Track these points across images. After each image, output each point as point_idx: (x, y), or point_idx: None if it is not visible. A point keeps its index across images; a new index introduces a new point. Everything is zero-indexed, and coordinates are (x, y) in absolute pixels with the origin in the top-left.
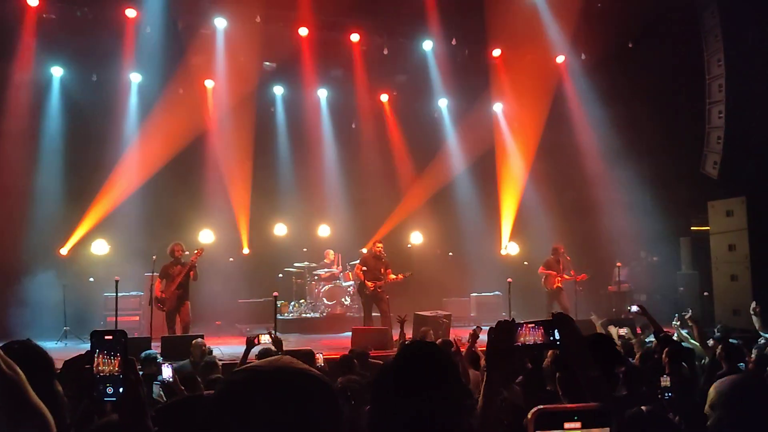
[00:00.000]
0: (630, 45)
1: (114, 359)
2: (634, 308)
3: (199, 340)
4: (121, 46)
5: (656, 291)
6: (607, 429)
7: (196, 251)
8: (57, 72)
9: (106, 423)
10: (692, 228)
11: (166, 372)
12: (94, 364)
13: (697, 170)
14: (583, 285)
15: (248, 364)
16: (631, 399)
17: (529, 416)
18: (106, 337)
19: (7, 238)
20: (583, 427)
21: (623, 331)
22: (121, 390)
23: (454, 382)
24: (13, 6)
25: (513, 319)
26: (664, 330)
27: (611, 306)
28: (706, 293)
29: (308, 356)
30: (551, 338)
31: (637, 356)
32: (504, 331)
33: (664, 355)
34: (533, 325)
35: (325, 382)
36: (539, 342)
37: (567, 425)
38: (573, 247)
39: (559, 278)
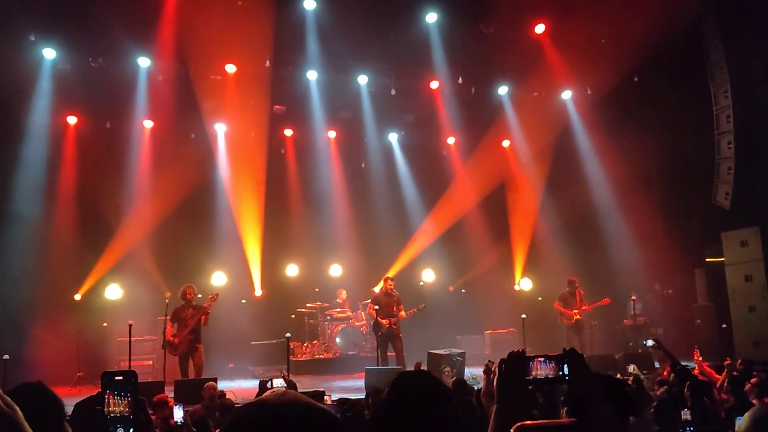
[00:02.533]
0: (635, 78)
1: (124, 400)
2: (650, 342)
3: (211, 383)
4: (133, 94)
5: (672, 324)
6: None
7: (210, 297)
8: (72, 120)
9: None
10: (707, 259)
11: (178, 414)
12: (105, 405)
13: (708, 201)
14: (598, 319)
15: (257, 399)
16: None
17: (511, 430)
18: (117, 378)
19: (23, 284)
20: None
21: (631, 367)
22: (131, 430)
23: (445, 403)
24: (30, 58)
25: (524, 350)
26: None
27: (627, 340)
28: (724, 325)
29: (318, 397)
30: (561, 372)
31: (659, 391)
32: (515, 364)
33: (685, 390)
34: (544, 358)
35: (329, 416)
36: (550, 376)
37: None
38: (586, 280)
39: (577, 312)
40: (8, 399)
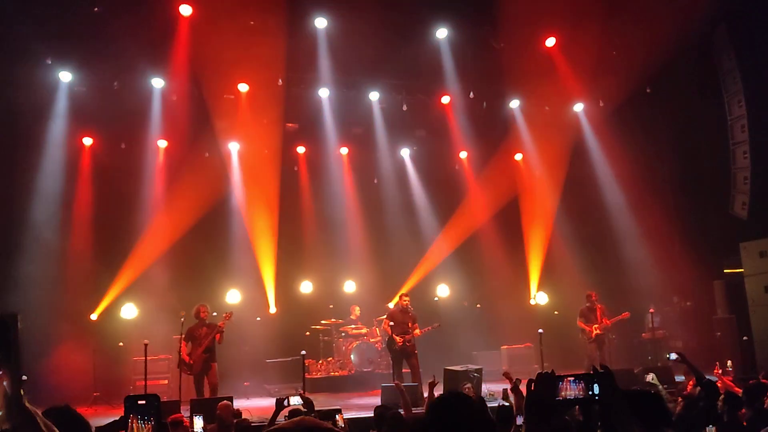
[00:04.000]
0: (648, 90)
1: (148, 424)
2: (674, 356)
3: (226, 402)
4: (148, 115)
5: (692, 337)
6: None
7: (224, 315)
8: (87, 141)
9: None
10: (725, 270)
11: (198, 423)
12: (128, 429)
13: (725, 212)
14: (616, 333)
15: (275, 426)
16: None
17: None
18: (140, 402)
19: (41, 305)
20: None
21: (650, 377)
22: None
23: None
24: (47, 81)
25: (553, 371)
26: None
27: (647, 354)
28: (745, 338)
29: (332, 415)
30: (591, 393)
31: (680, 405)
32: (546, 385)
33: (720, 403)
34: (573, 378)
35: None
36: (580, 396)
37: None
38: (602, 293)
39: (597, 327)
40: (50, 423)
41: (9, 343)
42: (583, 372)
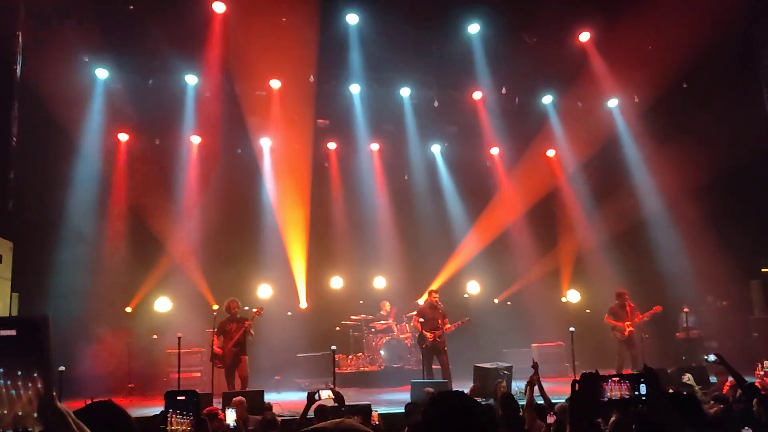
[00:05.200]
0: (684, 85)
1: (187, 419)
2: (712, 357)
3: (240, 398)
4: (182, 111)
5: (728, 337)
6: None
7: (255, 310)
8: (123, 138)
9: None
10: (763, 270)
11: (231, 416)
12: (168, 424)
13: (764, 209)
14: (650, 332)
15: (314, 427)
16: None
17: None
18: (179, 398)
19: (77, 297)
20: None
21: (686, 377)
22: None
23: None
24: (84, 78)
25: (597, 371)
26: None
27: (680, 354)
28: None
29: (366, 412)
30: (637, 392)
31: (716, 407)
32: (590, 385)
33: (754, 405)
34: (618, 378)
35: None
36: (626, 396)
37: None
38: (635, 292)
39: (629, 324)
40: (81, 424)
41: (41, 345)
42: (615, 371)
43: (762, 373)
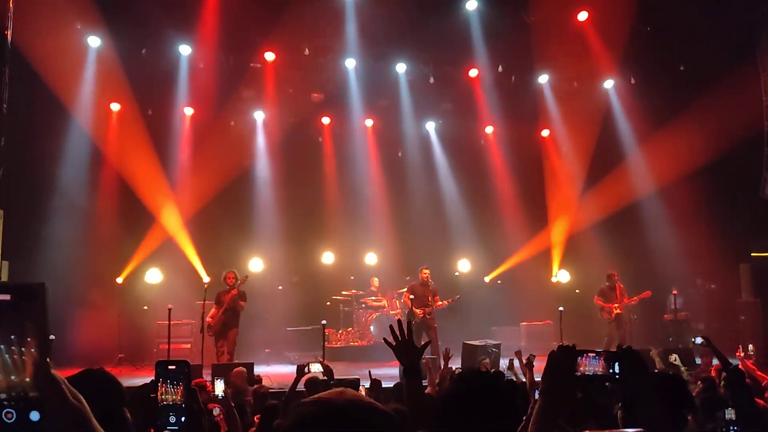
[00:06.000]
0: (681, 67)
1: (177, 389)
2: (699, 339)
3: (240, 368)
4: (175, 82)
5: (715, 319)
6: None
7: (240, 279)
8: (115, 107)
9: None
10: (752, 254)
11: (219, 387)
12: (158, 393)
13: (756, 195)
14: (638, 313)
15: (316, 396)
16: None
17: None
18: (170, 368)
19: (69, 268)
20: None
21: (673, 358)
22: (183, 419)
23: (513, 415)
24: (76, 46)
25: (574, 345)
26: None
27: (668, 335)
28: None
29: (354, 386)
30: (611, 371)
31: (698, 388)
32: (566, 358)
33: (721, 386)
34: (594, 355)
35: (395, 419)
36: (599, 373)
37: None
38: (625, 273)
39: (617, 305)
40: (76, 392)
41: (37, 312)
42: (602, 350)
43: (742, 355)
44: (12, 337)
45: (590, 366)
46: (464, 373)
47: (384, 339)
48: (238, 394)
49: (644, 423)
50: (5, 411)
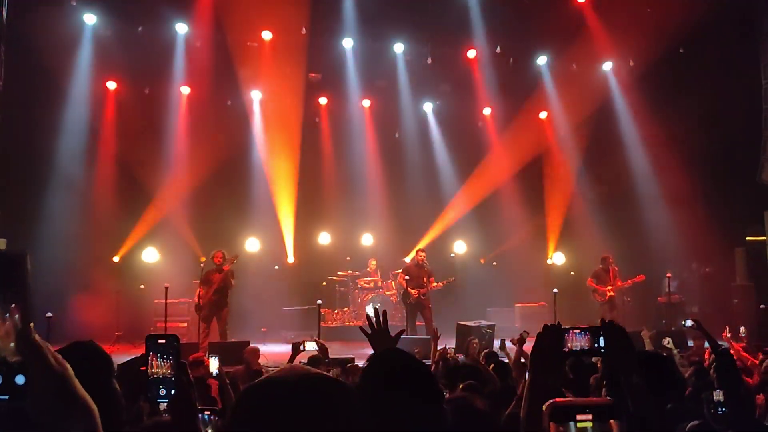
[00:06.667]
0: (681, 50)
1: (167, 362)
2: (689, 323)
3: (254, 346)
4: (171, 60)
5: (709, 303)
6: (616, 422)
7: (229, 258)
8: (111, 86)
9: (155, 423)
10: (747, 238)
11: (214, 364)
12: (148, 366)
13: (753, 179)
14: (632, 296)
15: (265, 377)
16: (680, 412)
17: (543, 408)
18: (160, 341)
19: (66, 246)
20: (594, 419)
21: (666, 341)
22: (173, 391)
23: (426, 385)
24: (72, 23)
25: (559, 323)
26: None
27: (661, 318)
28: (763, 306)
29: (345, 364)
30: (596, 345)
31: (689, 371)
32: (551, 336)
33: (711, 370)
34: (579, 330)
35: (342, 384)
36: (585, 348)
37: (579, 417)
38: (621, 256)
39: (611, 288)
40: (59, 356)
41: (20, 280)
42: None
43: (729, 336)
44: None
45: (576, 341)
46: (379, 354)
47: (360, 327)
48: (250, 372)
49: (627, 397)
50: None
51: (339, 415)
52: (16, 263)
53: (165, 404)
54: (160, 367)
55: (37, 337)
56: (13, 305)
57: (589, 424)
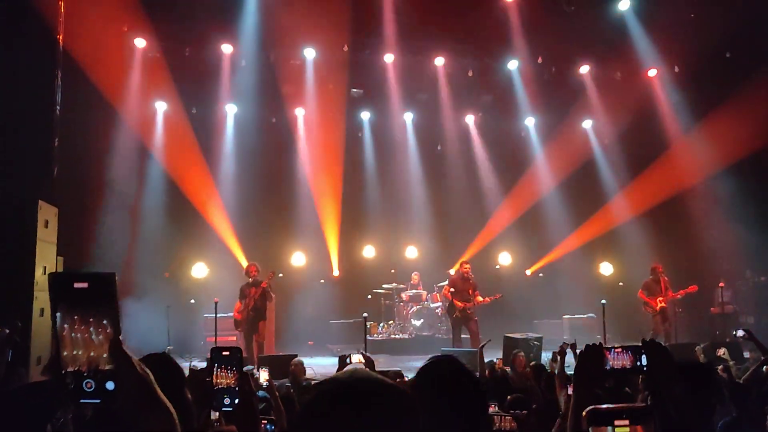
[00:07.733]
0: (727, 54)
1: (231, 373)
2: (741, 332)
3: (300, 359)
4: (218, 80)
5: (765, 313)
6: (651, 425)
7: (268, 274)
8: (161, 107)
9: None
10: None
11: (263, 376)
12: (213, 377)
13: None
14: (683, 307)
15: (329, 378)
16: (738, 423)
17: (583, 414)
18: (224, 353)
19: (120, 262)
20: (631, 423)
21: (721, 351)
22: (236, 401)
23: (472, 392)
24: (123, 48)
25: (601, 343)
26: None
27: (714, 329)
28: None
29: (396, 377)
30: (638, 363)
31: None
32: (593, 356)
33: None
34: (621, 349)
35: (401, 390)
36: (627, 367)
37: (617, 422)
38: (671, 265)
39: (662, 299)
40: (144, 366)
41: (110, 297)
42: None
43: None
44: (91, 319)
45: (618, 360)
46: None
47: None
48: (297, 384)
49: (672, 411)
50: (85, 381)
51: (404, 420)
52: (107, 283)
53: (229, 413)
54: (224, 378)
55: (126, 347)
56: (105, 320)
57: (626, 429)
